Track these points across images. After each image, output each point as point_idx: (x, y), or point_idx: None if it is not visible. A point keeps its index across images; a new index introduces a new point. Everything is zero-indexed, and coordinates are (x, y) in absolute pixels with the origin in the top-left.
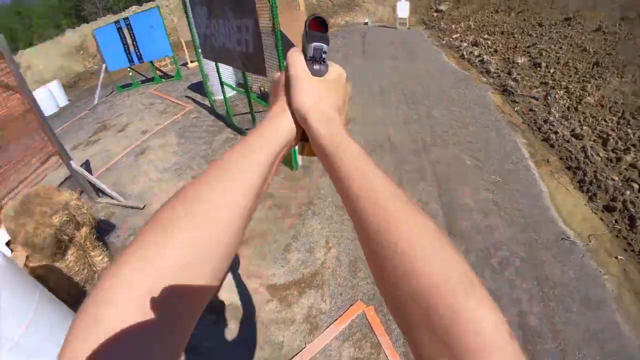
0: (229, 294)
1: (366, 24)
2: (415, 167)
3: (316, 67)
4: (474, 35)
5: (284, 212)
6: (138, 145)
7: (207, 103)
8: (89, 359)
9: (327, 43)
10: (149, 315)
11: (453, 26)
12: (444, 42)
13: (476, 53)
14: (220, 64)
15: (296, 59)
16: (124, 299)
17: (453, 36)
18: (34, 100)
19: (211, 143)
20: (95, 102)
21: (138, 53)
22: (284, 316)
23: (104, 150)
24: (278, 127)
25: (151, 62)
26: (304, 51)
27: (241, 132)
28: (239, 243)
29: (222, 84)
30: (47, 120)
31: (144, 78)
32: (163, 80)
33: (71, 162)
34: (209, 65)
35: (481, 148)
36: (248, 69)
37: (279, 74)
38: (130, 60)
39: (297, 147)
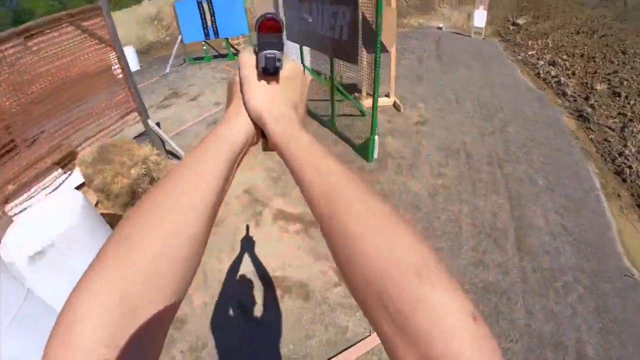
0: (295, 272)
1: (440, 28)
2: (489, 178)
3: (268, 70)
4: (551, 54)
5: None
6: (210, 115)
7: None
8: None
9: (281, 48)
10: (121, 328)
11: (530, 42)
12: (519, 57)
13: (553, 73)
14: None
15: (247, 60)
16: (95, 313)
17: (529, 52)
18: (123, 56)
19: None
20: (168, 70)
21: (215, 29)
22: (352, 302)
23: (175, 116)
24: (234, 127)
25: (226, 39)
26: (258, 57)
27: (316, 117)
28: (205, 240)
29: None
30: (132, 77)
31: (216, 53)
32: (236, 57)
33: (149, 120)
34: (289, 49)
35: (553, 171)
36: (338, 56)
37: (235, 76)
38: (206, 35)
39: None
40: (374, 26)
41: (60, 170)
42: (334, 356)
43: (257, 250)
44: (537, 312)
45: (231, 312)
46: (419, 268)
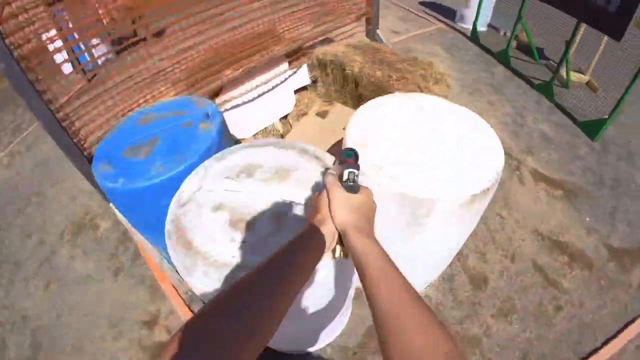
0: (572, 239)
1: None
2: None
3: (350, 188)
4: None
5: None
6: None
7: (460, 29)
8: None
9: (357, 169)
10: None
11: None
12: None
13: None
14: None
15: (333, 182)
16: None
17: None
18: None
19: (492, 74)
20: None
21: None
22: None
23: None
24: (322, 234)
25: None
26: (340, 174)
27: (519, 74)
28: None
29: (520, 19)
30: None
31: None
32: None
33: (378, 31)
34: None
35: None
36: (597, 27)
37: (317, 193)
38: None
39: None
40: None
41: (287, 64)
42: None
43: (529, 212)
44: None
45: (528, 274)
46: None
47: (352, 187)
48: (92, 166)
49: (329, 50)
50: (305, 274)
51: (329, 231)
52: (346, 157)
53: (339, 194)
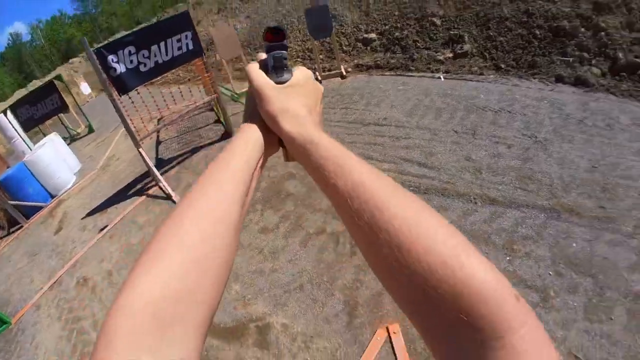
0: None
1: None
2: None
3: (279, 75)
4: None
5: None
6: None
7: None
8: None
9: (285, 49)
10: (163, 320)
11: None
12: None
13: None
14: None
15: (255, 73)
16: (138, 308)
17: None
18: None
19: None
20: None
21: None
22: None
23: None
24: (248, 140)
25: None
26: (267, 62)
27: None
28: (235, 247)
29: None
30: None
31: None
32: None
33: None
34: None
35: None
36: None
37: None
38: None
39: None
40: None
41: None
42: None
43: None
44: None
45: None
46: (464, 247)
47: (282, 76)
48: None
49: None
50: (227, 196)
51: (254, 133)
52: (267, 34)
53: (262, 86)
